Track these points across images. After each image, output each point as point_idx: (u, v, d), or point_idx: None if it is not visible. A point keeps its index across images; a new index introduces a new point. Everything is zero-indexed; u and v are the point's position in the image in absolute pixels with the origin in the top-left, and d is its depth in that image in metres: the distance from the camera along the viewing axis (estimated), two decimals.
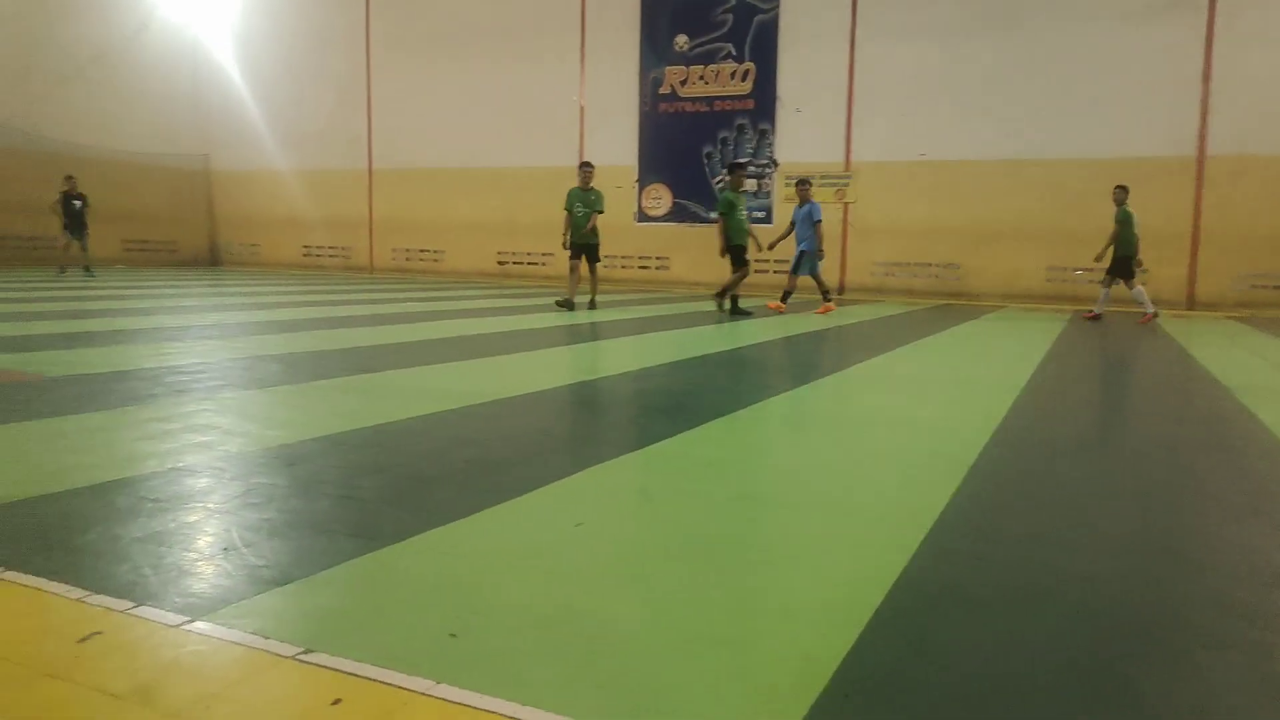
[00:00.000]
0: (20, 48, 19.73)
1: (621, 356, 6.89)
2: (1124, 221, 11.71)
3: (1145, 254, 13.43)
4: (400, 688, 1.53)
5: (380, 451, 3.32)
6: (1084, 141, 15.26)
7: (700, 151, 18.51)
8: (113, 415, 3.85)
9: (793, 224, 11.77)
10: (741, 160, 14.75)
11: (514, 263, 20.79)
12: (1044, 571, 2.23)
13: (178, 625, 1.76)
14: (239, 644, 1.69)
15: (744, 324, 9.93)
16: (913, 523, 2.59)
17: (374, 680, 1.56)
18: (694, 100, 18.50)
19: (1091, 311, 12.19)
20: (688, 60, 18.48)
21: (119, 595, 1.90)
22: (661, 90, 18.77)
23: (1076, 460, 3.58)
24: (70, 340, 6.65)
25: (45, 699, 1.48)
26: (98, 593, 1.91)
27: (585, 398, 4.92)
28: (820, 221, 11.55)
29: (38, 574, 2.00)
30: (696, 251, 18.65)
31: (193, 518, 2.46)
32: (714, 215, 16.82)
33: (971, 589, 2.10)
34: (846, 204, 17.23)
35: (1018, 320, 11.88)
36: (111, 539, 2.26)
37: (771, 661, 1.69)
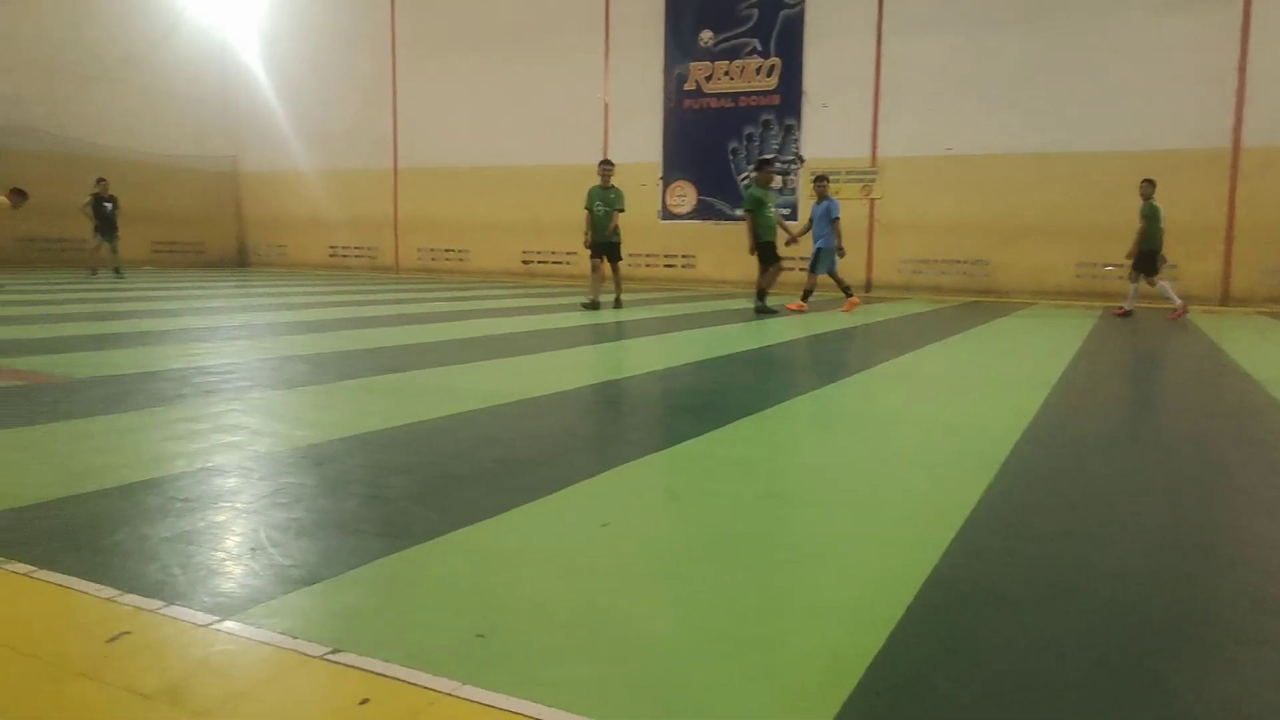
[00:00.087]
0: (49, 50, 20.04)
1: (647, 355, 6.88)
2: (1150, 216, 11.55)
3: (1177, 249, 13.23)
4: (427, 688, 1.53)
5: (407, 451, 3.33)
6: (1114, 134, 15.04)
7: (725, 148, 18.45)
8: (141, 416, 3.89)
9: (811, 221, 11.70)
10: (769, 157, 14.64)
11: (539, 262, 20.84)
12: (1075, 568, 2.19)
13: (207, 625, 1.77)
14: (267, 643, 1.69)
15: (770, 323, 9.88)
16: (943, 521, 2.55)
17: (401, 680, 1.55)
18: (719, 96, 18.44)
19: (1122, 308, 12.02)
20: (713, 56, 18.42)
21: (148, 595, 1.91)
22: (686, 86, 18.72)
23: (1108, 457, 3.52)
24: (99, 342, 6.74)
25: (75, 698, 1.49)
26: (127, 592, 1.92)
27: (611, 397, 4.91)
28: (838, 219, 11.46)
29: (68, 573, 2.02)
30: (722, 249, 18.60)
31: (221, 517, 2.48)
32: (738, 212, 16.74)
33: (1002, 587, 2.07)
34: (873, 200, 17.11)
35: (1047, 317, 11.74)
36: (140, 539, 2.28)
37: (800, 661, 1.67)
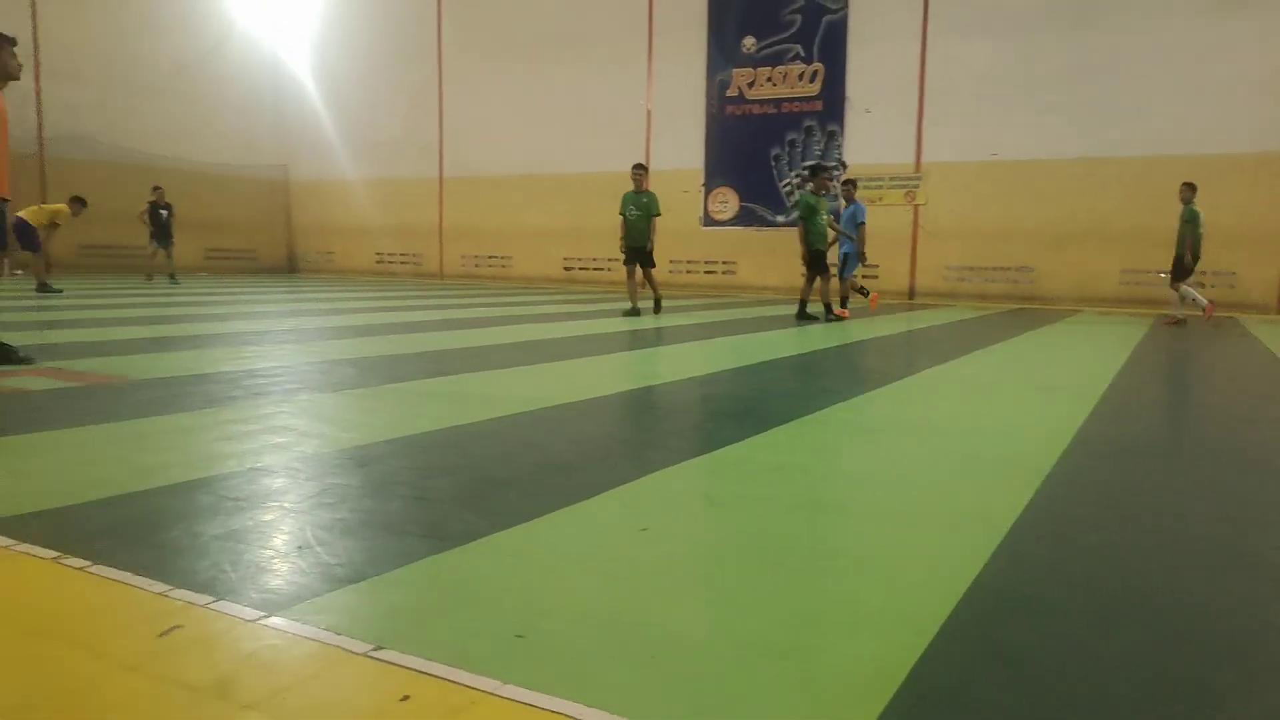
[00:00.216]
0: (107, 63, 20.65)
1: (687, 361, 6.88)
2: (1190, 220, 11.34)
3: (1231, 255, 12.93)
4: (468, 686, 1.55)
5: (451, 454, 3.37)
6: (1162, 139, 14.72)
7: (768, 154, 18.40)
8: (194, 417, 3.99)
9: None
10: (823, 163, 14.36)
11: (580, 268, 20.95)
12: (1124, 582, 2.15)
13: (254, 620, 1.82)
14: (313, 639, 1.73)
15: (811, 329, 9.82)
16: (985, 529, 2.52)
17: (442, 678, 1.58)
18: (761, 102, 18.40)
19: (1173, 316, 11.76)
20: (755, 62, 18.39)
21: (199, 590, 1.96)
22: (728, 93, 18.71)
23: (1157, 467, 3.45)
24: (154, 345, 6.92)
25: (126, 691, 1.54)
26: (179, 587, 1.97)
27: (651, 402, 4.92)
28: (863, 224, 11.36)
29: (122, 568, 2.08)
30: (762, 255, 18.54)
31: (269, 516, 2.53)
32: (780, 219, 16.69)
33: (1047, 598, 2.04)
34: (917, 206, 16.93)
35: (1095, 324, 11.51)
36: (192, 536, 2.34)
37: (838, 669, 1.67)
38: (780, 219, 18.36)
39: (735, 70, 18.59)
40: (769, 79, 18.27)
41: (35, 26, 19.31)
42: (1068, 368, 6.85)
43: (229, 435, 3.60)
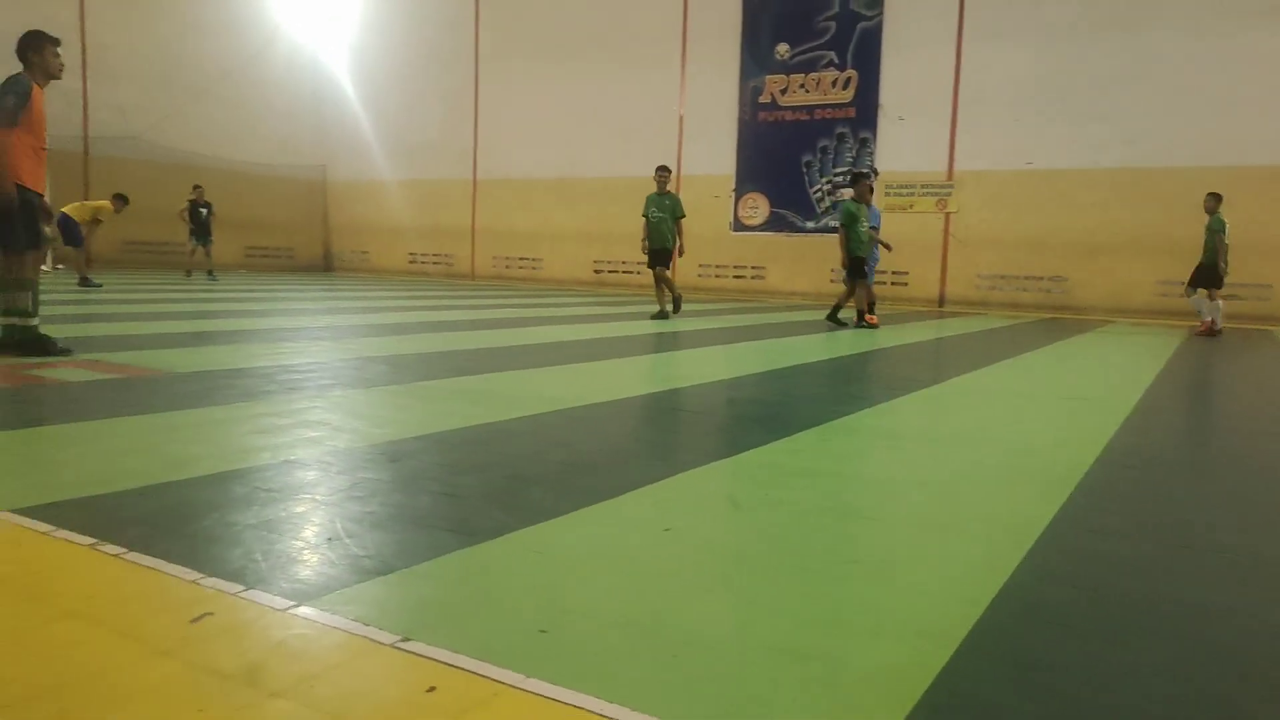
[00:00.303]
0: (155, 65, 21.08)
1: (714, 365, 6.88)
2: (1217, 230, 11.25)
3: (1268, 266, 12.70)
4: (492, 679, 1.57)
5: (479, 451, 3.40)
6: (1201, 149, 14.48)
7: (799, 160, 18.35)
8: (229, 410, 4.06)
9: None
10: (865, 170, 14.06)
11: (609, 271, 21.00)
12: (1154, 598, 2.13)
13: (284, 609, 1.85)
14: (341, 629, 1.76)
15: (840, 335, 9.78)
16: (1012, 541, 2.50)
17: (468, 671, 1.60)
18: (794, 109, 18.36)
19: (1209, 326, 11.60)
20: (788, 69, 18.36)
21: (231, 579, 2.00)
22: (761, 99, 18.69)
23: (1189, 481, 3.40)
24: (192, 339, 7.04)
25: (158, 675, 1.57)
26: (211, 575, 2.01)
27: (677, 404, 4.93)
28: (877, 227, 11.31)
29: (157, 556, 2.12)
30: (791, 261, 18.49)
31: (301, 508, 2.57)
32: (807, 226, 16.63)
33: (1074, 609, 2.02)
34: (948, 214, 16.79)
35: (1128, 335, 11.35)
36: (225, 525, 2.38)
37: (859, 675, 1.66)
38: (810, 225, 18.30)
39: (768, 77, 18.56)
40: (802, 85, 18.23)
41: (83, 29, 19.74)
42: (1099, 378, 6.76)
43: (263, 429, 3.66)
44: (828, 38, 17.87)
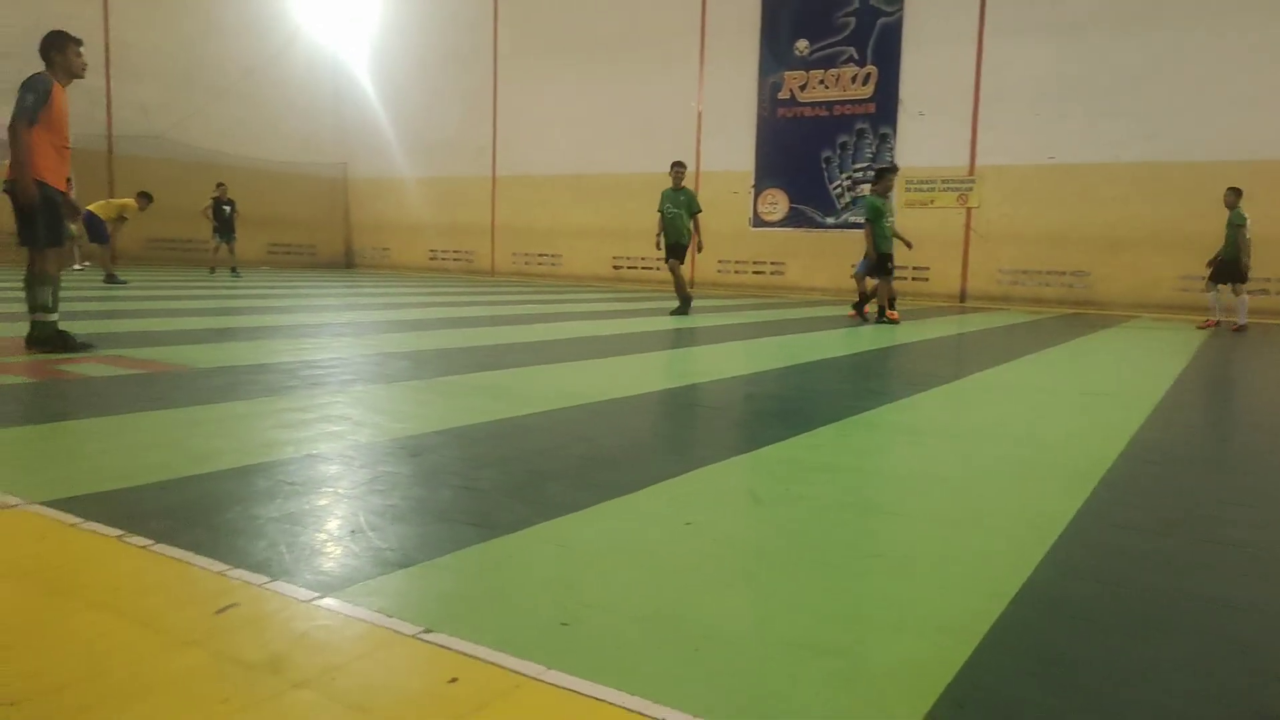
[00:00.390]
0: (178, 64, 21.30)
1: (734, 360, 6.87)
2: (1238, 224, 11.18)
3: None
4: (513, 671, 1.58)
5: (500, 445, 3.42)
6: (1224, 143, 14.31)
7: (819, 156, 18.27)
8: (253, 405, 4.10)
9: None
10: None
11: (628, 267, 21.01)
12: (1178, 594, 2.11)
13: (308, 601, 1.86)
14: (364, 620, 1.77)
15: (861, 330, 9.73)
16: (1035, 536, 2.49)
17: (489, 662, 1.61)
18: (813, 105, 18.28)
19: (1236, 323, 11.46)
20: (808, 65, 18.28)
21: (255, 570, 2.02)
22: (780, 95, 18.62)
23: (1212, 476, 3.37)
24: (216, 335, 7.11)
25: (183, 664, 1.59)
26: (236, 567, 2.03)
27: (696, 399, 4.92)
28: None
29: (183, 548, 2.15)
30: (810, 257, 18.43)
31: (324, 501, 2.60)
32: (826, 221, 16.58)
33: (1096, 605, 2.00)
34: (969, 209, 16.68)
35: (1152, 330, 11.23)
36: (250, 518, 2.41)
37: (881, 670, 1.66)
38: (830, 221, 18.23)
39: (787, 73, 18.49)
40: (821, 81, 18.14)
41: (107, 29, 19.96)
42: (1122, 373, 6.70)
43: (287, 423, 3.69)
44: (847, 33, 17.77)
